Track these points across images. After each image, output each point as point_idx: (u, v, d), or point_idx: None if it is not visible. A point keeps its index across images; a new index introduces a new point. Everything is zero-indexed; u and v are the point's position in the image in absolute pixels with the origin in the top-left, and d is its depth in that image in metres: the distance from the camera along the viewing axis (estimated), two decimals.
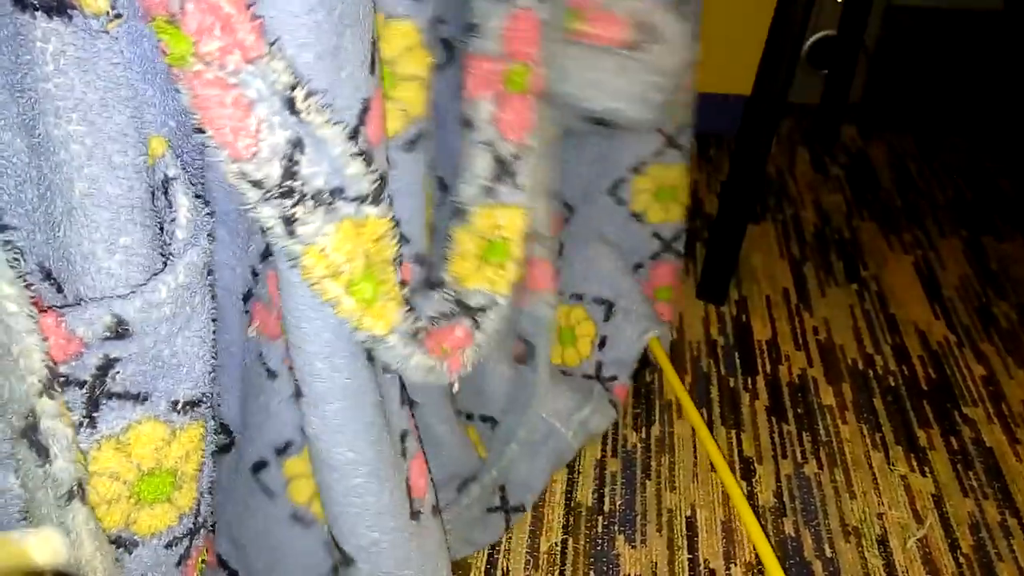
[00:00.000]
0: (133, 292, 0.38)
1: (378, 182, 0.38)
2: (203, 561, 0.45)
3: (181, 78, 0.35)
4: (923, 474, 0.87)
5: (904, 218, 1.29)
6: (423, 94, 0.50)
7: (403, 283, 0.44)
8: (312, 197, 0.38)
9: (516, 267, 0.57)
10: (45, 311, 0.36)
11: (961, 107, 1.54)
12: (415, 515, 0.53)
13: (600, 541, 0.79)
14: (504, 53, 0.56)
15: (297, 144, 0.37)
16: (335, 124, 0.37)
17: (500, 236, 0.57)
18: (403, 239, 0.54)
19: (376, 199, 0.38)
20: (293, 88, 0.36)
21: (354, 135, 0.38)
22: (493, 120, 0.57)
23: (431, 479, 0.59)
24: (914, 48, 1.52)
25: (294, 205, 0.37)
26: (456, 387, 0.51)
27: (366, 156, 0.39)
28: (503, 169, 0.58)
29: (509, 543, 0.79)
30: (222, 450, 0.56)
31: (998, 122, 1.50)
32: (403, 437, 0.53)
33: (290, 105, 0.36)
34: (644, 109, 0.74)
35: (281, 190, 0.37)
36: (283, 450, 0.54)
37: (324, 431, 0.44)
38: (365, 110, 0.39)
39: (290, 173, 0.37)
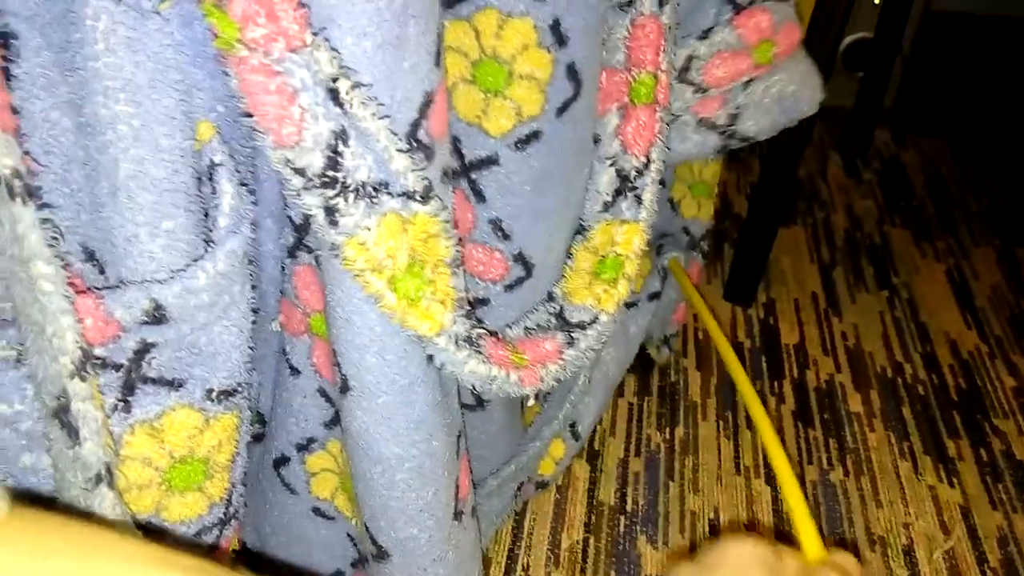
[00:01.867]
0: (172, 277, 0.37)
1: (427, 179, 0.38)
2: (233, 550, 0.45)
3: (229, 62, 0.34)
4: (951, 485, 0.85)
5: (937, 225, 1.27)
6: (539, 95, 0.48)
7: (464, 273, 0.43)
8: (355, 189, 0.37)
9: (627, 285, 0.55)
10: (84, 292, 0.36)
11: (997, 114, 1.51)
12: (457, 515, 0.53)
13: (622, 541, 0.79)
14: (629, 63, 0.55)
15: (341, 135, 0.37)
16: (382, 118, 0.36)
17: (614, 252, 0.55)
18: (503, 235, 0.53)
19: (425, 196, 0.38)
20: (336, 80, 0.36)
21: (415, 128, 0.38)
22: (617, 133, 0.56)
23: (472, 479, 0.58)
24: (950, 54, 1.49)
25: (336, 196, 0.37)
26: (531, 401, 0.50)
27: (427, 150, 0.39)
28: (624, 184, 0.56)
29: (530, 539, 0.78)
30: (256, 439, 0.56)
31: None
32: (458, 437, 0.53)
33: (334, 96, 0.36)
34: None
35: (323, 180, 0.37)
36: (305, 446, 0.54)
37: (371, 424, 0.44)
38: (428, 103, 0.38)
39: (333, 163, 0.37)
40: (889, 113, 1.54)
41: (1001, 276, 1.16)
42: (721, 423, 0.91)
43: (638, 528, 0.80)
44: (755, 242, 1.06)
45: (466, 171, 0.51)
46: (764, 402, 0.94)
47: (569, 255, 0.57)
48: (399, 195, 0.37)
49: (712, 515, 0.81)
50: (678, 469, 0.86)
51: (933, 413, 0.94)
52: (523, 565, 0.76)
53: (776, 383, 0.97)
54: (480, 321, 0.53)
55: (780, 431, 0.91)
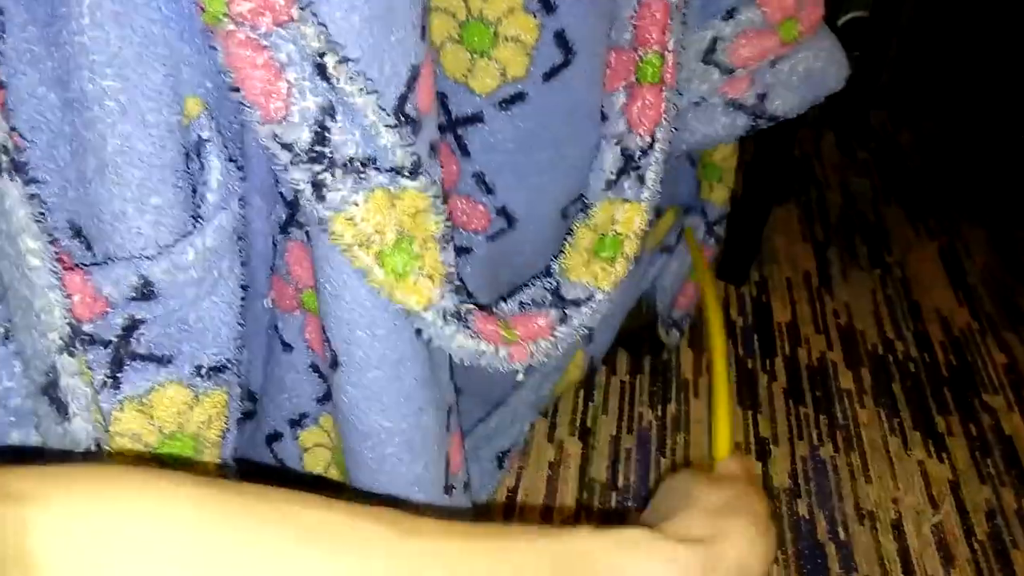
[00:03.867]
0: (160, 253, 0.38)
1: (416, 155, 0.38)
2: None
3: (216, 37, 0.34)
4: (940, 460, 0.86)
5: (931, 204, 1.28)
6: (524, 58, 0.49)
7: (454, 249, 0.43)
8: (342, 164, 0.37)
9: (625, 264, 0.55)
10: (72, 268, 0.36)
11: (993, 94, 1.51)
12: (448, 489, 0.54)
13: (614, 516, 0.79)
14: (635, 42, 0.55)
15: (328, 110, 0.37)
16: (369, 93, 0.36)
17: (614, 231, 0.56)
18: (487, 188, 0.54)
19: (414, 172, 0.38)
20: (323, 54, 0.36)
21: (402, 102, 0.38)
22: (623, 112, 0.56)
23: (465, 456, 0.59)
24: (948, 33, 1.49)
25: (323, 171, 0.37)
26: (520, 376, 0.50)
27: (414, 124, 0.39)
28: (628, 163, 0.56)
29: (522, 515, 0.79)
30: (246, 416, 0.56)
31: None
32: (449, 411, 0.53)
33: (321, 71, 0.36)
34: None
35: (311, 155, 0.37)
36: (297, 422, 0.54)
37: (361, 399, 0.44)
38: (414, 77, 0.38)
39: (320, 138, 0.37)
40: (885, 92, 1.53)
41: (994, 255, 1.17)
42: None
43: (630, 504, 0.81)
44: (748, 221, 1.06)
45: (452, 126, 0.52)
46: (755, 380, 0.95)
47: (570, 232, 0.57)
48: (387, 170, 0.37)
49: None
50: (669, 446, 0.87)
51: (923, 390, 0.94)
52: None
53: (768, 361, 0.98)
54: (463, 286, 0.53)
55: (772, 408, 0.91)
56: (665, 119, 0.55)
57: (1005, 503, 0.82)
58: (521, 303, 0.51)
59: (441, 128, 0.51)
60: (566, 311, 0.51)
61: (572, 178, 0.57)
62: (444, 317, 0.40)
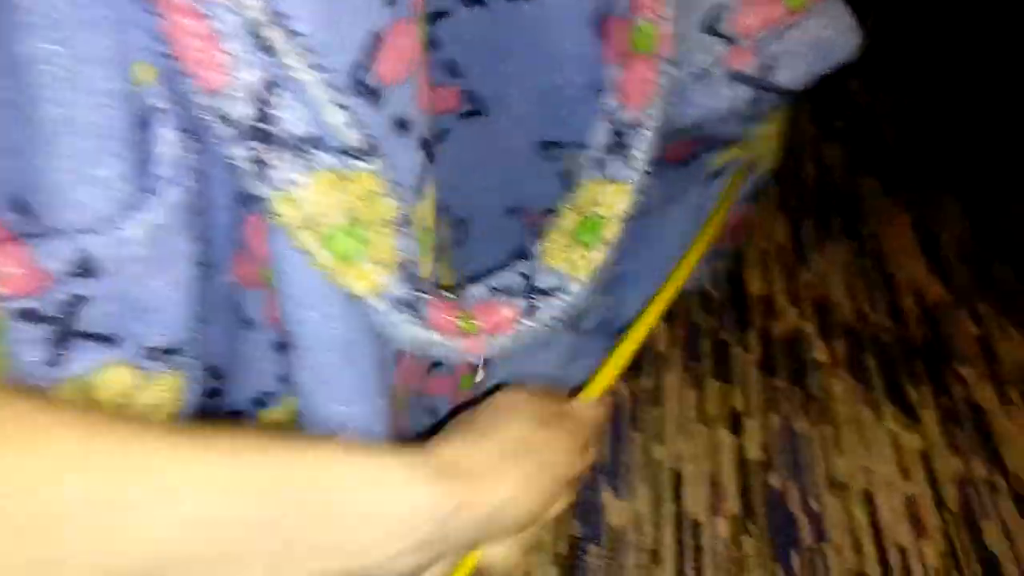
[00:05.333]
0: (105, 228, 0.36)
1: (371, 134, 0.36)
2: None
3: (156, 2, 0.32)
4: (912, 431, 0.87)
5: (906, 175, 1.27)
6: None
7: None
8: (285, 143, 0.35)
9: (604, 251, 0.54)
10: (11, 240, 0.35)
11: (971, 65, 1.50)
12: None
13: (586, 491, 0.79)
14: (630, 10, 0.53)
15: (271, 84, 0.35)
16: (316, 67, 0.35)
17: (595, 213, 0.54)
18: (456, 72, 0.54)
19: (366, 153, 0.36)
20: (266, 25, 0.34)
21: (357, 71, 0.36)
22: (616, 86, 0.54)
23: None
24: (923, 3, 1.48)
25: (265, 149, 0.35)
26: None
27: (374, 97, 0.37)
28: (618, 140, 0.55)
29: None
30: (211, 395, 0.55)
31: (1010, 82, 1.47)
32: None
33: (263, 44, 0.34)
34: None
35: (254, 132, 0.35)
36: (261, 402, 0.53)
37: (315, 383, 0.43)
38: (375, 44, 0.36)
39: (263, 115, 0.35)
40: (861, 62, 1.52)
41: (969, 226, 1.17)
42: (686, 373, 0.92)
43: (602, 478, 0.80)
44: None
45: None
46: (729, 353, 0.95)
47: (554, 212, 0.56)
48: (335, 151, 0.35)
49: (675, 465, 0.82)
50: (642, 419, 0.86)
51: (896, 361, 0.95)
52: None
53: (742, 333, 0.97)
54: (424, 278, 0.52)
55: (745, 381, 0.91)
56: (659, 94, 0.53)
57: (976, 474, 0.82)
58: (493, 288, 0.50)
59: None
60: (536, 302, 0.49)
61: (548, 78, 0.56)
62: (395, 305, 0.39)
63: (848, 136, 1.36)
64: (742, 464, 0.82)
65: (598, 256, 0.53)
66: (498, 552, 0.39)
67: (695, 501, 0.79)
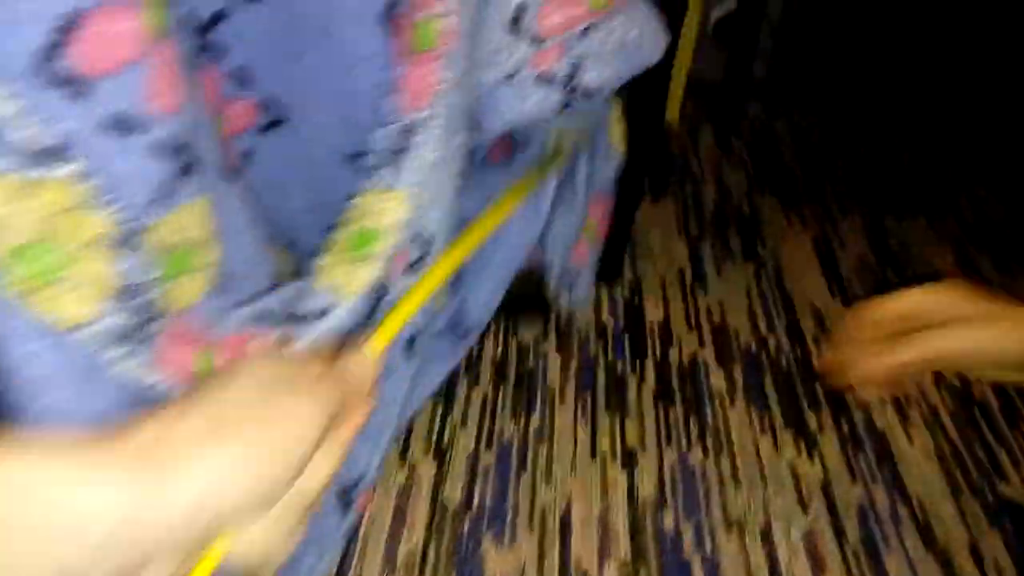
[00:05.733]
0: None
1: (59, 135, 0.30)
2: None
3: None
4: (811, 459, 0.83)
5: (805, 194, 1.26)
6: None
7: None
8: None
9: (375, 267, 0.49)
10: None
11: (868, 85, 1.51)
12: None
13: (466, 542, 0.73)
14: (412, 5, 0.48)
15: None
16: None
17: (369, 226, 0.49)
18: (246, 82, 0.48)
19: (55, 156, 0.30)
20: None
21: (45, 58, 0.30)
22: (400, 86, 0.49)
23: None
24: (821, 25, 1.48)
25: None
26: None
27: (72, 87, 0.31)
28: (399, 145, 0.50)
29: (364, 548, 0.72)
30: None
31: (904, 100, 1.48)
32: None
33: None
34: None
35: None
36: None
37: (42, 425, 0.35)
38: (69, 25, 0.30)
39: None
40: (761, 85, 1.52)
41: (867, 244, 1.15)
42: (579, 407, 0.87)
43: (484, 526, 0.74)
44: (617, 218, 1.02)
45: (201, 31, 0.45)
46: (625, 384, 0.90)
47: (334, 227, 0.50)
48: (12, 153, 0.29)
49: (564, 507, 0.76)
50: (531, 459, 0.81)
51: (795, 385, 0.91)
52: (356, 574, 0.69)
53: (638, 363, 0.93)
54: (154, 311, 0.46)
55: (640, 413, 0.86)
56: (441, 92, 0.49)
57: (877, 502, 0.79)
58: (251, 315, 0.44)
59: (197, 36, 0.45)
60: (291, 330, 0.44)
61: (343, 81, 0.51)
62: (107, 338, 0.32)
63: (748, 158, 1.35)
64: (634, 503, 0.77)
65: (367, 275, 0.48)
66: (250, 538, 0.32)
67: (583, 547, 0.73)
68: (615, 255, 1.04)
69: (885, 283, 1.07)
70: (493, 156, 0.74)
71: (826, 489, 0.80)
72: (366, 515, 0.73)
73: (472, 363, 0.90)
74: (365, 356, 0.42)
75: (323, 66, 0.51)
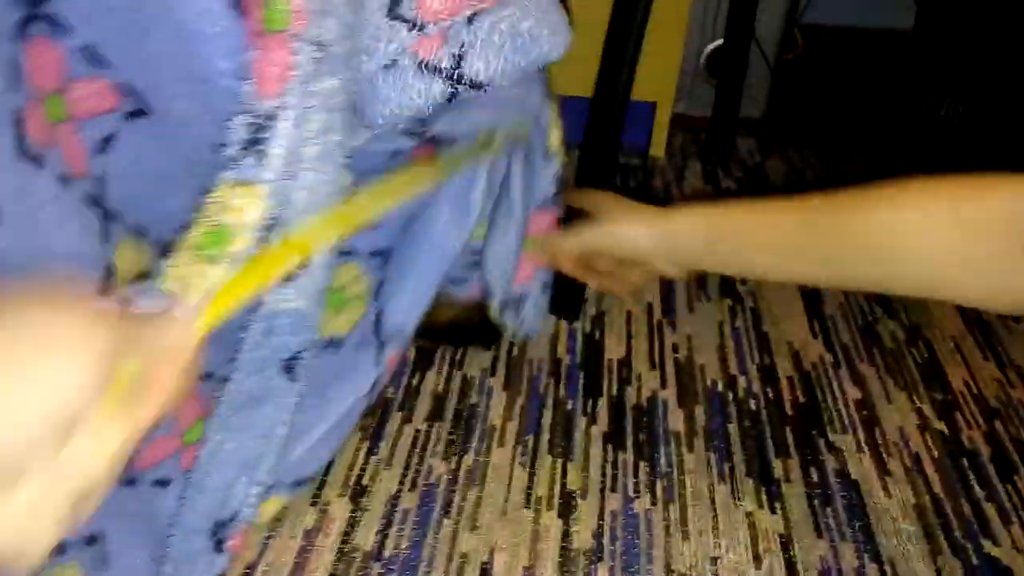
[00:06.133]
0: None
1: None
2: None
3: None
4: (772, 510, 0.74)
5: None
6: None
7: None
8: None
9: (229, 267, 0.44)
10: None
11: (865, 125, 1.45)
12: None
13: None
14: None
15: None
16: None
17: (222, 223, 0.44)
18: (100, 62, 0.46)
19: None
20: None
21: None
22: (252, 72, 0.45)
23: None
24: (820, 65, 1.43)
25: None
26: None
27: None
28: (254, 136, 0.46)
29: None
30: None
31: (901, 141, 1.41)
32: None
33: None
34: None
35: None
36: None
37: None
38: None
39: None
40: (758, 123, 1.47)
41: None
42: (519, 448, 0.79)
43: None
44: None
45: (36, 3, 0.41)
46: (573, 424, 0.82)
47: (189, 225, 0.45)
48: None
49: (486, 557, 0.68)
50: (457, 503, 0.73)
51: (762, 430, 0.83)
52: None
53: (591, 402, 0.85)
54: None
55: (587, 456, 0.79)
56: (296, 79, 0.44)
57: (843, 560, 0.70)
58: None
59: (26, 20, 0.41)
60: None
61: (195, 64, 0.46)
62: None
63: (736, 194, 1.28)
64: (567, 554, 0.69)
65: (220, 272, 0.42)
66: None
67: None
68: (575, 292, 0.97)
69: (872, 323, 0.99)
70: (417, 158, 0.68)
71: (785, 544, 0.71)
72: (264, 562, 0.66)
73: (408, 396, 0.83)
74: (184, 325, 0.36)
75: (171, 45, 0.46)
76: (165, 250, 0.54)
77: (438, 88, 0.54)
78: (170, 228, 0.54)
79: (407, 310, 0.69)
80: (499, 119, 0.69)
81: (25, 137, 0.42)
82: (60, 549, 0.49)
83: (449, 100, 0.55)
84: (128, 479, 0.58)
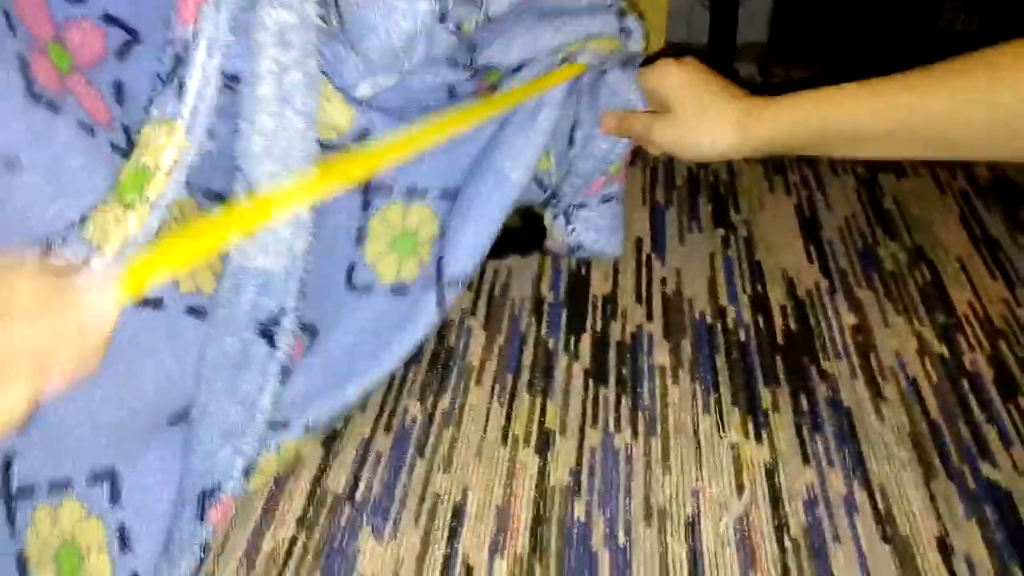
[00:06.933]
0: None
1: None
2: None
3: None
4: (759, 440, 0.71)
5: (795, 158, 1.13)
6: None
7: None
8: None
9: (146, 214, 0.41)
10: None
11: (876, 44, 1.38)
12: None
13: (340, 536, 0.64)
14: None
15: None
16: None
17: (144, 164, 0.42)
18: None
19: None
20: None
21: None
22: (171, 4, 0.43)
23: None
24: None
25: None
26: None
27: None
28: (171, 66, 0.43)
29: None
30: None
31: (914, 59, 1.34)
32: None
33: None
34: None
35: None
36: None
37: None
38: None
39: None
40: (761, 48, 1.40)
41: (857, 205, 1.02)
42: (497, 387, 0.77)
43: (364, 519, 0.65)
44: None
45: None
46: (553, 362, 0.80)
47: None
48: None
49: (459, 497, 0.67)
50: (432, 444, 0.71)
51: (751, 360, 0.79)
52: (210, 571, 0.61)
53: (573, 339, 0.83)
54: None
55: (567, 393, 0.76)
56: (209, 7, 0.41)
57: (831, 487, 0.67)
58: None
59: None
60: None
61: None
62: None
63: None
64: (542, 491, 0.67)
65: (139, 218, 0.40)
66: None
67: (473, 540, 0.64)
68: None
69: (873, 246, 0.95)
70: (476, 90, 0.65)
71: (771, 473, 0.68)
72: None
73: None
74: (101, 289, 0.34)
75: None
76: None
77: (424, 5, 0.51)
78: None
79: (470, 252, 0.67)
80: (563, 40, 0.66)
81: (35, 83, 0.40)
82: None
83: (441, 19, 0.52)
84: None
